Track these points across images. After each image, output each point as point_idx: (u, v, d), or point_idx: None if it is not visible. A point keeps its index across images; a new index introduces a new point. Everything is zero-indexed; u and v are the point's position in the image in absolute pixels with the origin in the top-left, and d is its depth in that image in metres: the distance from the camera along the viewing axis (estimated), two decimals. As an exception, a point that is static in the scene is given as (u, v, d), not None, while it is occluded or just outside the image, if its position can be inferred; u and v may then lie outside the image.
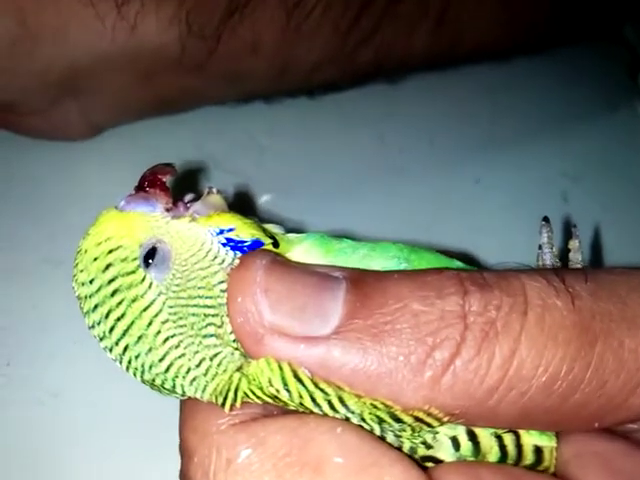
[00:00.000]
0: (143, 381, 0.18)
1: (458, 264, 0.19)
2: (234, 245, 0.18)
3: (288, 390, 0.16)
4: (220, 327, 0.17)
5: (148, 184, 0.18)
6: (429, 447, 0.17)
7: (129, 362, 0.18)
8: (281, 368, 0.16)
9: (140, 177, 0.18)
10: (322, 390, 0.16)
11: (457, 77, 0.41)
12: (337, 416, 0.16)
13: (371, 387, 0.15)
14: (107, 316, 0.17)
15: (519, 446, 0.17)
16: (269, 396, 0.17)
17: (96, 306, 0.18)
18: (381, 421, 0.16)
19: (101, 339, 0.18)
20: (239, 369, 0.17)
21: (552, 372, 0.15)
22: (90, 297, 0.18)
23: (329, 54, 0.33)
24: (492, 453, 0.17)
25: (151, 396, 0.19)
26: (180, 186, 0.21)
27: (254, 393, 0.17)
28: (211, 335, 0.17)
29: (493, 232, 0.36)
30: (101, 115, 0.35)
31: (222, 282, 0.17)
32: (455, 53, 0.37)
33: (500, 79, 0.42)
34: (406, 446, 0.17)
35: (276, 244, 0.18)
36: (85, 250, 0.18)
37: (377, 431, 0.16)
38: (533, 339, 0.15)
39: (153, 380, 0.18)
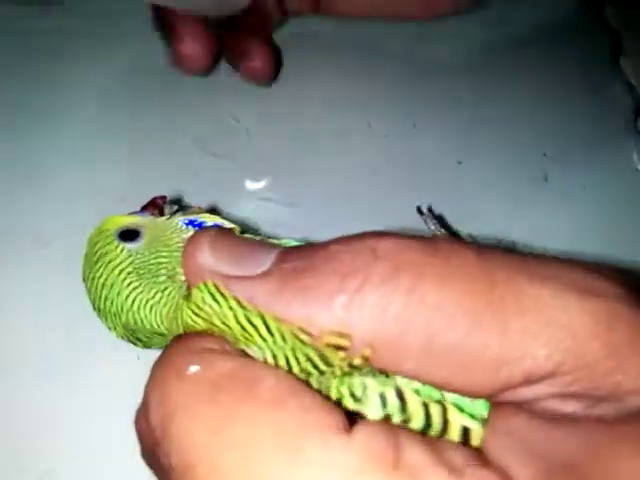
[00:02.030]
0: (122, 329, 0.23)
1: None
2: (197, 225, 0.23)
3: (218, 303, 0.18)
4: (172, 271, 0.22)
5: (146, 205, 0.25)
6: (357, 400, 0.17)
7: (109, 311, 0.23)
8: (211, 288, 0.19)
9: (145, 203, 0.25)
10: (245, 309, 0.18)
11: (438, 61, 0.42)
12: (267, 349, 0.18)
13: (289, 313, 0.17)
14: (92, 279, 0.23)
15: (445, 421, 0.17)
16: (205, 318, 0.19)
17: (86, 275, 0.23)
18: (309, 359, 0.18)
19: (92, 300, 0.23)
20: (185, 297, 0.20)
21: (454, 304, 0.16)
22: (84, 267, 0.23)
23: None
24: (417, 418, 0.17)
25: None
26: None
27: (194, 314, 0.19)
28: (164, 275, 0.22)
29: (476, 212, 0.36)
30: None
31: (179, 243, 0.22)
32: None
33: (482, 61, 0.43)
34: (335, 396, 0.18)
35: None
36: (88, 241, 0.24)
37: (312, 377, 0.18)
38: (437, 273, 0.16)
39: (127, 322, 0.22)
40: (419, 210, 0.28)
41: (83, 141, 0.37)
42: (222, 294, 0.18)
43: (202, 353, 0.18)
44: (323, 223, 0.35)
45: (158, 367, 0.18)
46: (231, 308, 0.18)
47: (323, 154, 0.38)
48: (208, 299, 0.19)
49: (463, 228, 0.35)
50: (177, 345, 0.19)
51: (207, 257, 0.19)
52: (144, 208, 0.25)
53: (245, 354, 0.18)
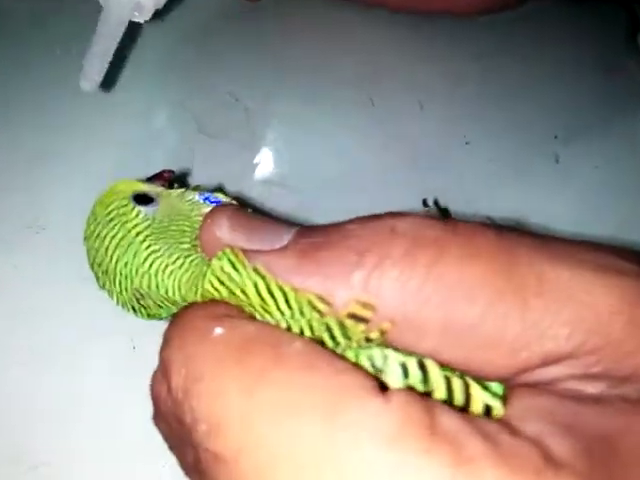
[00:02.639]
0: (128, 294, 0.22)
1: None
2: (214, 201, 0.22)
3: (237, 271, 0.18)
4: (195, 241, 0.21)
5: (154, 176, 0.25)
6: (378, 370, 0.17)
7: (120, 272, 0.21)
8: (231, 256, 0.18)
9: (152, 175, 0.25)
10: (265, 278, 0.17)
11: (444, 37, 0.40)
12: (283, 321, 0.18)
13: (307, 286, 0.17)
14: (104, 237, 0.22)
15: (468, 396, 0.16)
16: (227, 286, 0.18)
17: (95, 232, 0.22)
18: (327, 329, 0.17)
19: (98, 261, 0.22)
20: (208, 265, 0.19)
21: (473, 281, 0.16)
22: (92, 226, 0.22)
23: None
24: (440, 391, 0.16)
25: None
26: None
27: (219, 282, 0.18)
28: (187, 244, 0.21)
29: (483, 194, 0.35)
30: None
31: (199, 217, 0.22)
32: None
33: (489, 37, 0.41)
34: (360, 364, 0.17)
35: None
36: (97, 202, 0.23)
37: (326, 347, 0.17)
38: (457, 250, 0.16)
39: (139, 285, 0.21)
40: (424, 203, 0.28)
41: (77, 122, 0.36)
42: (242, 262, 0.18)
43: (223, 317, 0.17)
44: (323, 205, 0.34)
45: (178, 330, 0.18)
46: (250, 277, 0.18)
47: (326, 135, 0.37)
48: (227, 267, 0.18)
49: (472, 210, 0.34)
50: (196, 309, 0.18)
51: (225, 231, 0.19)
52: (151, 179, 0.24)
53: None
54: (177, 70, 0.39)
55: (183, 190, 0.23)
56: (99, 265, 0.22)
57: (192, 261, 0.21)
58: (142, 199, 0.22)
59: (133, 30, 0.37)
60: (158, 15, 0.31)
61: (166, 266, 0.21)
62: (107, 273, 0.22)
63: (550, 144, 0.37)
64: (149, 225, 0.22)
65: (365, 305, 0.16)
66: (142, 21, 0.30)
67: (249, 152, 0.36)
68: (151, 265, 0.21)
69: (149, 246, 0.21)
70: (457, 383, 0.17)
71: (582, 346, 0.15)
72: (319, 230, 0.18)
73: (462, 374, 0.17)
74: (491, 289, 0.15)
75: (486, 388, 0.17)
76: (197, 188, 0.24)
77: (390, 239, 0.16)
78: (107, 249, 0.22)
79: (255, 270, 0.18)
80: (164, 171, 0.25)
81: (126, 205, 0.22)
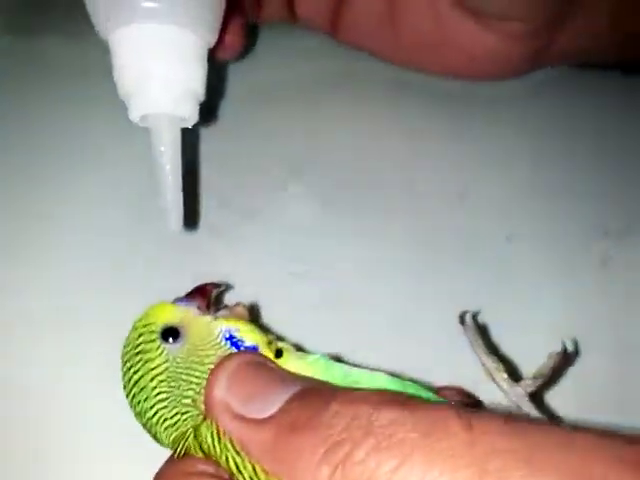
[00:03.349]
0: (142, 426, 0.24)
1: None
2: (234, 343, 0.24)
3: (214, 446, 0.21)
4: (198, 393, 0.23)
5: (196, 291, 0.26)
6: None
7: (134, 407, 0.24)
8: (216, 430, 0.22)
9: (195, 287, 0.26)
10: (239, 455, 0.21)
11: (488, 127, 0.38)
12: None
13: (277, 471, 0.19)
14: (129, 369, 0.24)
15: None
16: (206, 451, 0.22)
17: (125, 359, 0.24)
18: None
19: (124, 385, 0.24)
20: (195, 426, 0.23)
21: None
22: (125, 349, 0.25)
23: None
24: None
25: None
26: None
27: (198, 447, 0.22)
28: (189, 397, 0.23)
29: (523, 298, 0.33)
30: None
31: (211, 365, 0.23)
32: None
33: (535, 120, 0.39)
34: None
35: (279, 354, 0.24)
36: (134, 326, 0.25)
37: None
38: (425, 455, 0.16)
39: (144, 425, 0.24)
40: (461, 318, 0.27)
41: (87, 189, 0.36)
42: (221, 437, 0.21)
43: (190, 476, 0.21)
44: (352, 297, 0.33)
45: None
46: (226, 451, 0.21)
47: (358, 219, 0.36)
48: (209, 440, 0.21)
49: (508, 317, 0.32)
50: (172, 465, 0.22)
51: (222, 390, 0.21)
52: (192, 295, 0.25)
53: None
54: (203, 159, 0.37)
55: (212, 319, 0.25)
56: (124, 388, 0.25)
57: (185, 419, 0.23)
58: (170, 334, 0.24)
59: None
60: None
61: (165, 420, 0.23)
62: (127, 399, 0.24)
63: (599, 244, 0.35)
64: (167, 367, 0.24)
65: None
66: (190, 126, 0.27)
67: (278, 240, 0.35)
68: (155, 414, 0.24)
69: (158, 394, 0.24)
70: None
71: None
72: (306, 404, 0.19)
73: None
74: None
75: None
76: (231, 312, 0.25)
77: (363, 435, 0.17)
78: (129, 381, 0.24)
79: (232, 446, 0.21)
80: (207, 285, 0.26)
81: (152, 341, 0.24)
